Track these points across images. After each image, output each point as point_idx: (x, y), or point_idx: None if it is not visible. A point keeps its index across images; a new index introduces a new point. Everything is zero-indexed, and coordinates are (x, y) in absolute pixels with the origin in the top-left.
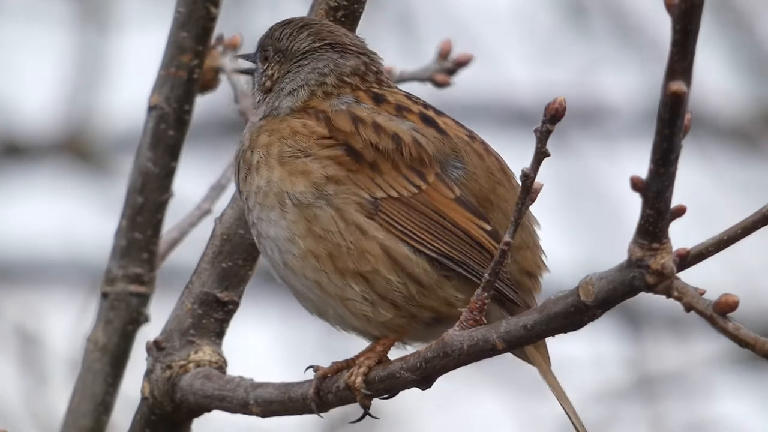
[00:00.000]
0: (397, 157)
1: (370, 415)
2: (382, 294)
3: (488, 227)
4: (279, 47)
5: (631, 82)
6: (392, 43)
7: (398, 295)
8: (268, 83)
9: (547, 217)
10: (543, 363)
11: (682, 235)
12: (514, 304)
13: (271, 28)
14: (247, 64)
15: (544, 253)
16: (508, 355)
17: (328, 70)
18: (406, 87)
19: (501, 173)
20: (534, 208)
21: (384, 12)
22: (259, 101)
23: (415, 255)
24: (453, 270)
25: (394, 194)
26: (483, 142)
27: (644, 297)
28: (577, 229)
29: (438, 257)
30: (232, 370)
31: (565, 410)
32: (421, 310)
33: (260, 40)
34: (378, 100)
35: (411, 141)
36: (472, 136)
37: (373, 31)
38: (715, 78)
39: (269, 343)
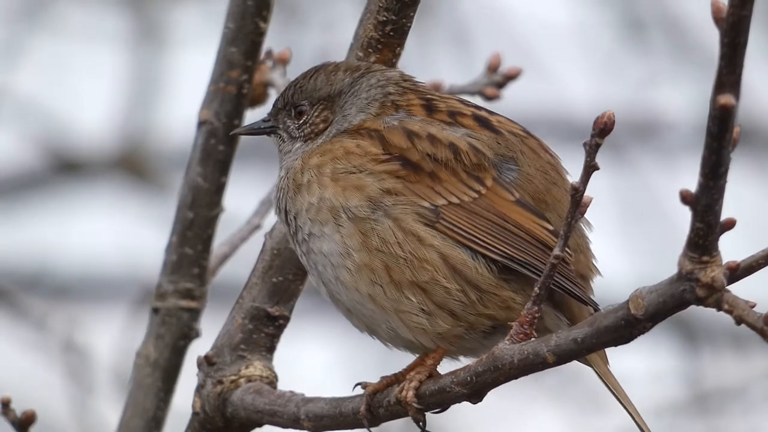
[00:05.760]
0: (455, 164)
1: (423, 430)
2: (440, 304)
3: (551, 227)
4: (320, 96)
5: (688, 97)
6: (447, 57)
7: (457, 303)
8: (321, 125)
9: (604, 230)
10: (602, 364)
11: (734, 248)
12: (582, 302)
13: (293, 86)
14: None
15: (595, 257)
16: (564, 368)
17: (384, 81)
18: None
19: (555, 173)
20: (591, 221)
21: (439, 26)
22: (302, 147)
23: (474, 259)
24: (512, 273)
25: (455, 200)
26: (538, 140)
27: (702, 311)
28: (635, 242)
29: (503, 260)
30: (282, 385)
31: (627, 410)
32: (479, 318)
33: (283, 100)
34: (430, 108)
35: (468, 147)
36: (527, 133)
37: (426, 45)
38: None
39: (319, 357)
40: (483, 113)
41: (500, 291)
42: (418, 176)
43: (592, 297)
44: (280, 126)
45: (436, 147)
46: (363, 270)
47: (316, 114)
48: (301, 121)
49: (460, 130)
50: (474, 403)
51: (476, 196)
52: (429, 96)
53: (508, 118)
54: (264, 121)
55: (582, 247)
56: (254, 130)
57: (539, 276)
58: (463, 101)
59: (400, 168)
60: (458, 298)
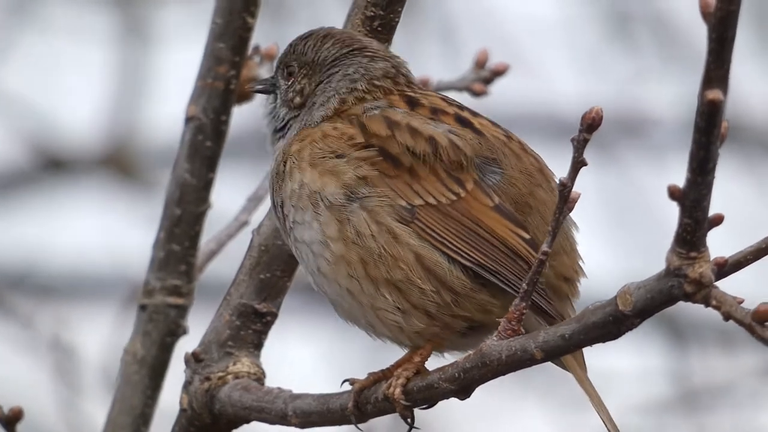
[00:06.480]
0: (435, 162)
1: (412, 426)
2: (415, 303)
3: (526, 235)
4: (305, 60)
5: (675, 94)
6: (434, 53)
7: (432, 304)
8: (298, 99)
9: (592, 228)
10: (579, 369)
11: (722, 244)
12: (548, 316)
13: (291, 44)
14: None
15: (582, 258)
16: (551, 367)
17: (358, 75)
18: None
19: (539, 174)
20: (577, 218)
21: (426, 22)
22: (286, 118)
23: (449, 263)
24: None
25: (432, 201)
26: (520, 142)
27: (690, 308)
28: (622, 239)
29: (473, 266)
30: (270, 382)
31: (600, 417)
32: (455, 319)
33: (280, 57)
34: (412, 103)
35: (448, 143)
36: (508, 136)
37: (414, 41)
38: (759, 86)
39: (307, 354)
40: (466, 114)
41: (477, 294)
42: (397, 171)
43: (567, 304)
44: (277, 84)
45: (415, 139)
46: (340, 262)
47: (300, 78)
48: (289, 83)
49: (442, 125)
50: (462, 400)
51: (454, 198)
52: (409, 94)
53: (491, 121)
54: (271, 77)
55: (566, 248)
56: (260, 88)
57: (508, 285)
58: (446, 100)
59: (377, 155)
60: (433, 299)
